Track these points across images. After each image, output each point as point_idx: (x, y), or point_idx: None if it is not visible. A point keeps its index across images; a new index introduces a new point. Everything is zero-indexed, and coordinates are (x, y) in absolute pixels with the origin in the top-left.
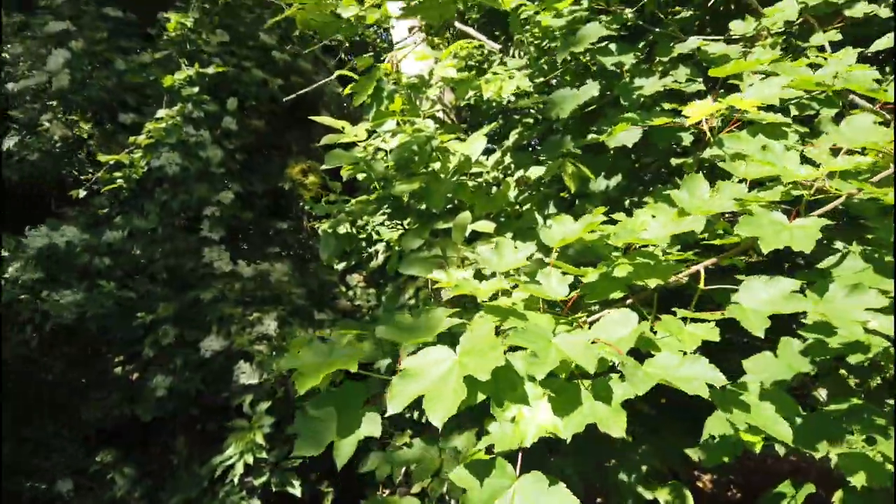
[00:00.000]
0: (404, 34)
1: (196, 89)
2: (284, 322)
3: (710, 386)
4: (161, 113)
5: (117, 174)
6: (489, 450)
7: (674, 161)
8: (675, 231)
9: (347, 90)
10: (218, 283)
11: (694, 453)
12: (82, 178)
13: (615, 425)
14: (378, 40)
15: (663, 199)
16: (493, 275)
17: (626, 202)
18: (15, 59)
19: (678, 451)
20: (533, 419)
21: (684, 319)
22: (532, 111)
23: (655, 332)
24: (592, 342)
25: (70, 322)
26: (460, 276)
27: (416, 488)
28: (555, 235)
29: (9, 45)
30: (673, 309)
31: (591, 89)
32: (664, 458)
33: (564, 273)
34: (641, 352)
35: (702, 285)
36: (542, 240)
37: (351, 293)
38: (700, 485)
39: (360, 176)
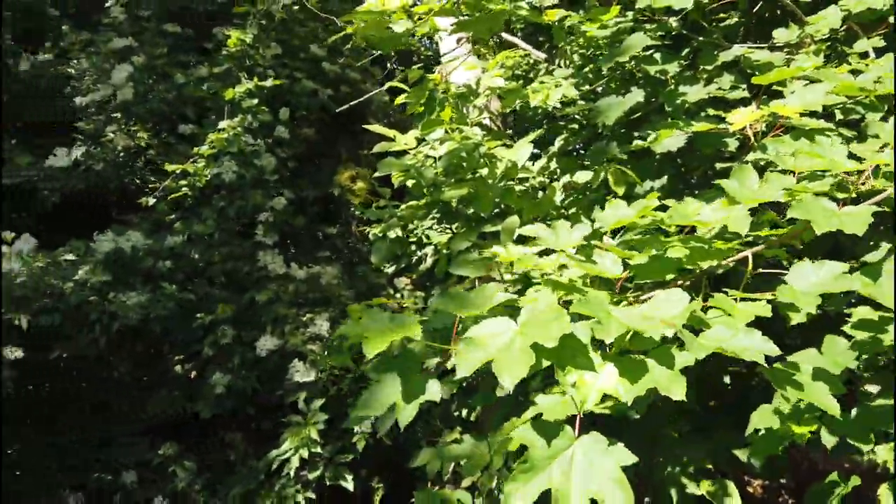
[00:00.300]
0: (451, 45)
1: (255, 101)
2: (335, 323)
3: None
4: (223, 124)
5: (182, 182)
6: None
7: (719, 165)
8: (729, 217)
9: (399, 100)
10: (272, 285)
11: (743, 454)
12: (148, 186)
13: (676, 389)
14: (422, 48)
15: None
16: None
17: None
18: (80, 73)
19: (726, 451)
20: (593, 384)
21: (735, 299)
22: (577, 117)
23: (706, 312)
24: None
25: (135, 323)
26: (520, 252)
27: (466, 482)
28: (609, 218)
29: (74, 61)
30: (723, 289)
31: (636, 96)
32: (712, 457)
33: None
34: (695, 328)
35: (750, 269)
36: (597, 222)
37: (398, 296)
38: (750, 490)
39: (410, 182)
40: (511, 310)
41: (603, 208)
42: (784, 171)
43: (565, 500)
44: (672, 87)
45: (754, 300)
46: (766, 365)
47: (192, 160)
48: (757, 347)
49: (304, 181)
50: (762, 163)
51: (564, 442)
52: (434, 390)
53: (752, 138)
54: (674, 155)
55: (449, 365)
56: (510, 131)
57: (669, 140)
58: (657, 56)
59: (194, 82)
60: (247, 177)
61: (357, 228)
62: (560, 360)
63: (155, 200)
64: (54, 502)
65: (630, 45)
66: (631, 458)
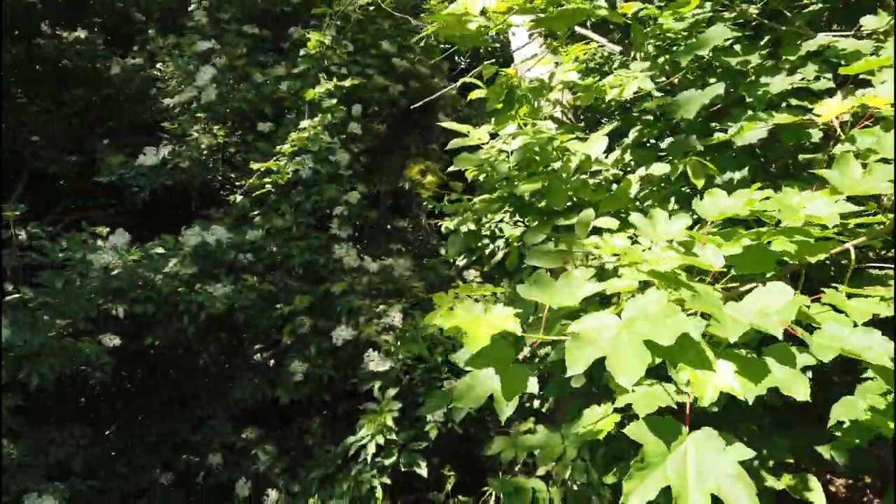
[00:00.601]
0: (523, 39)
1: (334, 101)
2: (407, 314)
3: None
4: (304, 123)
5: (266, 180)
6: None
7: (801, 157)
8: (839, 210)
9: (473, 95)
10: (347, 277)
11: (825, 450)
12: (228, 182)
13: (799, 389)
14: (489, 41)
15: (798, 185)
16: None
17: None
18: (167, 76)
19: (807, 447)
20: (708, 381)
21: (847, 295)
22: (651, 109)
23: (809, 307)
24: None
25: (221, 313)
26: (620, 244)
27: (540, 471)
28: (710, 209)
29: (160, 64)
30: (833, 285)
31: (717, 89)
32: (793, 453)
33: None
34: (801, 324)
35: (854, 262)
36: (697, 213)
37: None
38: (833, 489)
39: (482, 176)
40: (598, 300)
41: (679, 201)
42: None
43: (684, 497)
44: (752, 78)
45: (866, 296)
46: (890, 367)
47: (275, 158)
48: (879, 348)
49: (376, 175)
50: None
51: (676, 438)
52: (533, 384)
53: (839, 129)
54: (753, 146)
55: (542, 352)
56: (582, 123)
57: (751, 132)
58: (737, 47)
59: (272, 81)
60: (322, 172)
61: (427, 221)
62: (673, 357)
63: (244, 198)
64: (146, 481)
65: (709, 37)
66: (747, 453)
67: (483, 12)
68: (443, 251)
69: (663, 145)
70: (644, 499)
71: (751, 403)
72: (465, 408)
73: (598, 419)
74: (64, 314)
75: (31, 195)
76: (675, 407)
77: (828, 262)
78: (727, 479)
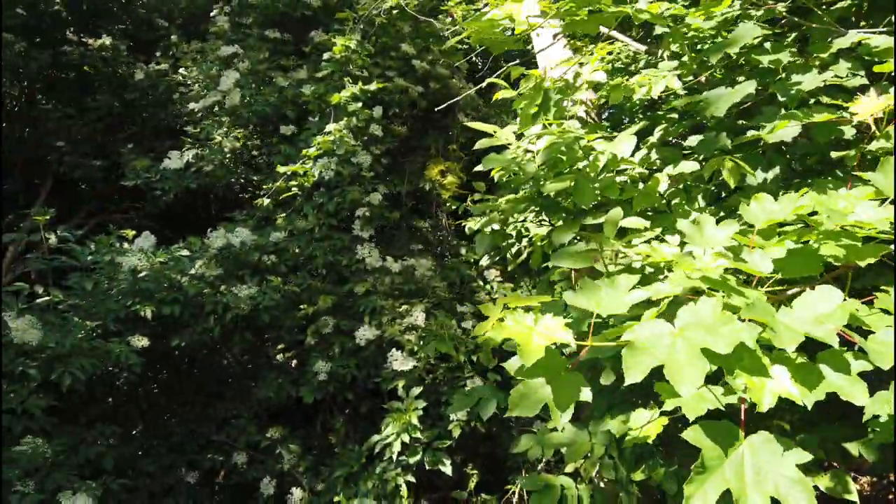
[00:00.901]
0: (547, 40)
1: (360, 105)
2: (429, 314)
3: None
4: (330, 127)
5: (293, 182)
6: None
7: (834, 154)
8: (888, 216)
9: (498, 96)
10: (369, 277)
11: (853, 447)
12: (251, 185)
13: (858, 394)
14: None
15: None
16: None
17: (782, 195)
18: (186, 79)
19: (835, 444)
20: (765, 387)
21: None
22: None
23: (858, 311)
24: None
25: (246, 313)
26: (670, 252)
27: (569, 468)
28: (759, 215)
29: (182, 69)
30: (883, 287)
31: (748, 87)
32: (824, 451)
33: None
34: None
35: None
36: (745, 219)
37: (488, 287)
38: (857, 487)
39: (508, 176)
40: (646, 305)
41: (704, 198)
42: None
43: (744, 500)
44: (783, 76)
45: None
46: None
47: (301, 161)
48: None
49: (397, 177)
50: (880, 152)
51: (733, 442)
52: (586, 393)
53: (874, 126)
54: (782, 144)
55: (583, 356)
56: (606, 122)
57: (784, 130)
58: (767, 45)
59: (294, 85)
60: (344, 174)
61: (447, 222)
62: (729, 364)
63: (269, 200)
64: (172, 480)
65: (740, 36)
66: (805, 457)
67: (510, 19)
68: (463, 251)
69: (687, 143)
70: (705, 502)
71: (809, 408)
72: (523, 415)
73: (646, 422)
74: (94, 316)
75: (55, 199)
76: (724, 410)
77: (873, 265)
78: (785, 481)
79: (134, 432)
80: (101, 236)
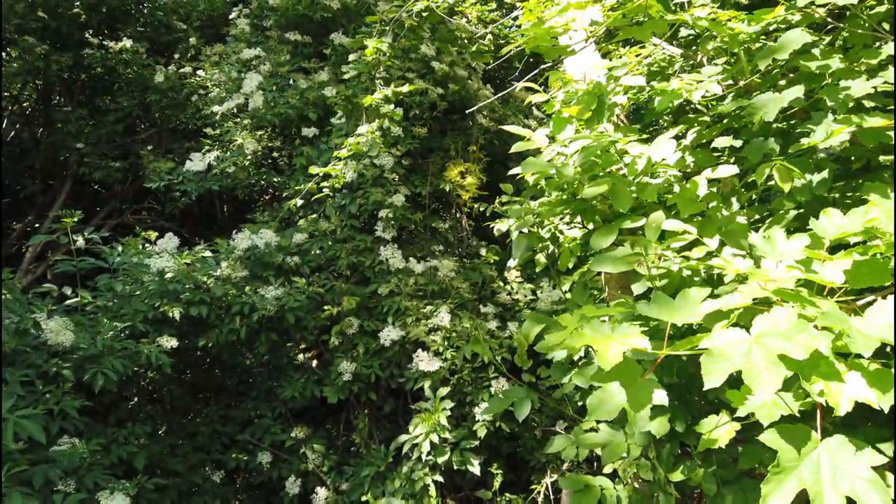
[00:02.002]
0: (580, 45)
1: (391, 107)
2: (453, 314)
3: None
4: (362, 129)
5: (325, 184)
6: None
7: (882, 158)
8: None
9: (529, 99)
10: (393, 278)
11: (889, 448)
12: (274, 186)
13: None
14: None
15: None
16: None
17: (829, 198)
18: (206, 82)
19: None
20: (842, 392)
21: None
22: (704, 110)
23: None
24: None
25: (272, 314)
26: (744, 265)
27: (607, 469)
28: (829, 229)
29: (201, 72)
30: None
31: (796, 91)
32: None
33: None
34: None
35: None
36: (816, 232)
37: (509, 287)
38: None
39: (543, 180)
40: (719, 314)
41: (739, 201)
42: None
43: (820, 499)
44: (828, 81)
45: None
46: None
47: (332, 163)
48: None
49: (417, 178)
50: None
51: (809, 445)
52: (661, 397)
53: None
54: (829, 148)
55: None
56: (636, 126)
57: (838, 136)
58: (815, 51)
59: (316, 87)
60: (367, 175)
61: (467, 223)
62: (804, 370)
63: (301, 202)
64: (198, 479)
65: (788, 42)
66: (880, 459)
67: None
68: (483, 252)
69: (716, 145)
70: (781, 502)
71: (886, 412)
72: (602, 419)
73: (713, 427)
74: (122, 317)
75: (72, 201)
76: (798, 415)
77: None
78: (861, 482)
79: (160, 432)
80: (129, 238)
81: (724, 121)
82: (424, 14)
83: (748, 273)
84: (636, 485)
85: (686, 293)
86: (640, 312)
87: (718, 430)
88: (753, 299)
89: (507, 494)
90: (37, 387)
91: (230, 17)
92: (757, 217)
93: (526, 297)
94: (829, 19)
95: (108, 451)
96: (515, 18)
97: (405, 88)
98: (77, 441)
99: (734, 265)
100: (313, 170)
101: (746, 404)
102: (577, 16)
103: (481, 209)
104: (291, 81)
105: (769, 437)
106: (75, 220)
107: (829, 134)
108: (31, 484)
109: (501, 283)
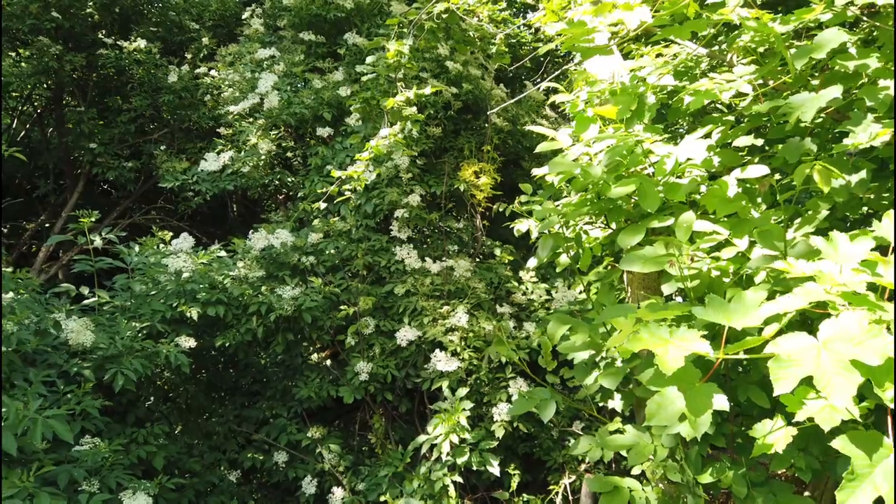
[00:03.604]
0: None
1: (414, 109)
2: (470, 315)
3: None
4: (384, 132)
5: (346, 187)
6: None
7: None
8: None
9: (553, 98)
10: (409, 278)
11: None
12: (288, 186)
13: None
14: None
15: None
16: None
17: (865, 199)
18: (219, 82)
19: None
20: None
21: None
22: (725, 109)
23: None
24: None
25: (288, 314)
26: (810, 268)
27: (635, 471)
28: (892, 231)
29: (214, 72)
30: None
31: (833, 92)
32: None
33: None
34: None
35: None
36: (878, 234)
37: (524, 287)
38: None
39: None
40: (776, 316)
41: (765, 200)
42: None
43: None
44: (864, 80)
45: None
46: None
47: (353, 166)
48: None
49: (432, 178)
50: None
51: (882, 451)
52: (721, 401)
53: None
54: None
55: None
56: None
57: (865, 135)
58: (852, 51)
59: (331, 87)
60: (382, 175)
61: (482, 222)
62: (876, 375)
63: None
64: (215, 478)
65: (825, 41)
66: None
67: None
68: (497, 252)
69: (736, 144)
70: None
71: None
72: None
73: (767, 432)
74: (141, 317)
75: (84, 201)
76: (858, 419)
77: None
78: None
79: (176, 431)
80: (147, 238)
81: (746, 120)
82: (444, 15)
83: (815, 275)
84: (663, 486)
85: (742, 295)
86: (695, 315)
87: (773, 434)
88: (812, 303)
89: (524, 495)
90: (58, 387)
91: (243, 16)
92: (782, 217)
93: (541, 297)
94: (864, 17)
95: (128, 450)
96: (525, 19)
97: (427, 90)
98: (99, 441)
99: (798, 267)
100: (335, 173)
101: (804, 409)
102: (624, 16)
103: (500, 209)
104: (306, 81)
105: (841, 444)
106: (93, 219)
107: (874, 135)
108: (56, 483)
109: (516, 284)
